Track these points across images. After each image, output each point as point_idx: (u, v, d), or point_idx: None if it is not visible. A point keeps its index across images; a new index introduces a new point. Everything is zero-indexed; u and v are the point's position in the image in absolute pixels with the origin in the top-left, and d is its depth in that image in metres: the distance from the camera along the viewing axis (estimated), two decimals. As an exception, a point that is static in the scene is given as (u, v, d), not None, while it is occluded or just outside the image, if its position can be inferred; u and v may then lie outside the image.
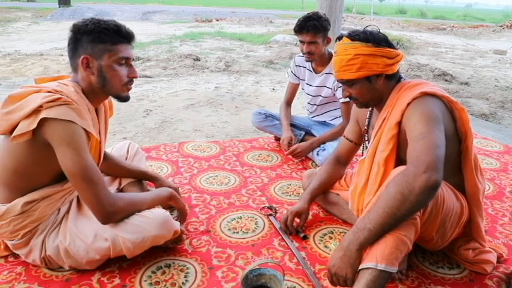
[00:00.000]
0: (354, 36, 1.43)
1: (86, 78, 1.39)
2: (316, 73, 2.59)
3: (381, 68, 1.42)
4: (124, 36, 1.39)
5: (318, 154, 2.53)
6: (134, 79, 1.46)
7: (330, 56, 2.51)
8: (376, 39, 1.41)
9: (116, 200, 1.37)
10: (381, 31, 1.47)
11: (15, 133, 1.25)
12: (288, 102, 2.81)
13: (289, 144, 2.57)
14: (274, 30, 11.76)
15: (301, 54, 2.57)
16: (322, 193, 1.89)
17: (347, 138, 1.81)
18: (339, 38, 1.48)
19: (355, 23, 14.83)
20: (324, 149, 2.51)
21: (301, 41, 2.42)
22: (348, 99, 2.42)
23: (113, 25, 1.37)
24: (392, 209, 1.18)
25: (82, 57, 1.34)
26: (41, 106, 1.24)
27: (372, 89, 1.47)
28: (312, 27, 2.32)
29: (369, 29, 1.46)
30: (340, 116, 2.62)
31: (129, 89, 1.46)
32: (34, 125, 1.24)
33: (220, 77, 5.44)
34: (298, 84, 2.77)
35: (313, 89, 2.63)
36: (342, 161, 1.86)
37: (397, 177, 1.21)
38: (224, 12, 19.57)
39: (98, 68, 1.37)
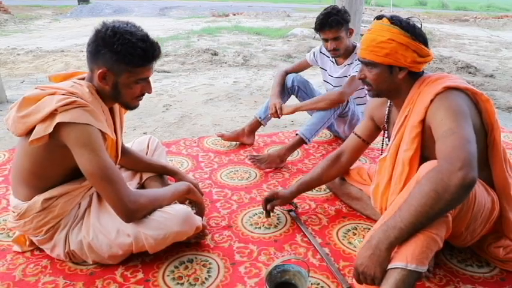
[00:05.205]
0: (395, 20, 1.38)
1: (100, 86, 1.37)
2: (338, 65, 2.55)
3: (408, 62, 1.37)
4: (149, 60, 1.35)
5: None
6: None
7: (354, 47, 2.45)
8: (416, 32, 1.36)
9: (137, 197, 1.36)
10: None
11: (32, 137, 1.25)
12: (287, 72, 2.66)
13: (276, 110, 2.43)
14: (292, 24, 11.63)
15: None
16: (309, 189, 1.87)
17: (356, 134, 1.76)
18: (379, 17, 1.44)
19: (374, 15, 14.56)
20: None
21: (324, 39, 2.34)
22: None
23: (140, 49, 1.30)
24: (425, 207, 1.13)
25: (100, 71, 1.32)
26: (56, 110, 1.24)
27: (390, 80, 1.42)
28: (335, 22, 2.24)
29: (411, 19, 1.40)
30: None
31: (139, 101, 1.46)
32: (50, 129, 1.24)
33: (238, 72, 5.42)
34: (310, 67, 2.72)
35: (333, 79, 2.60)
36: (345, 158, 1.79)
37: (429, 174, 1.16)
38: (241, 7, 19.48)
39: (114, 82, 1.35)
